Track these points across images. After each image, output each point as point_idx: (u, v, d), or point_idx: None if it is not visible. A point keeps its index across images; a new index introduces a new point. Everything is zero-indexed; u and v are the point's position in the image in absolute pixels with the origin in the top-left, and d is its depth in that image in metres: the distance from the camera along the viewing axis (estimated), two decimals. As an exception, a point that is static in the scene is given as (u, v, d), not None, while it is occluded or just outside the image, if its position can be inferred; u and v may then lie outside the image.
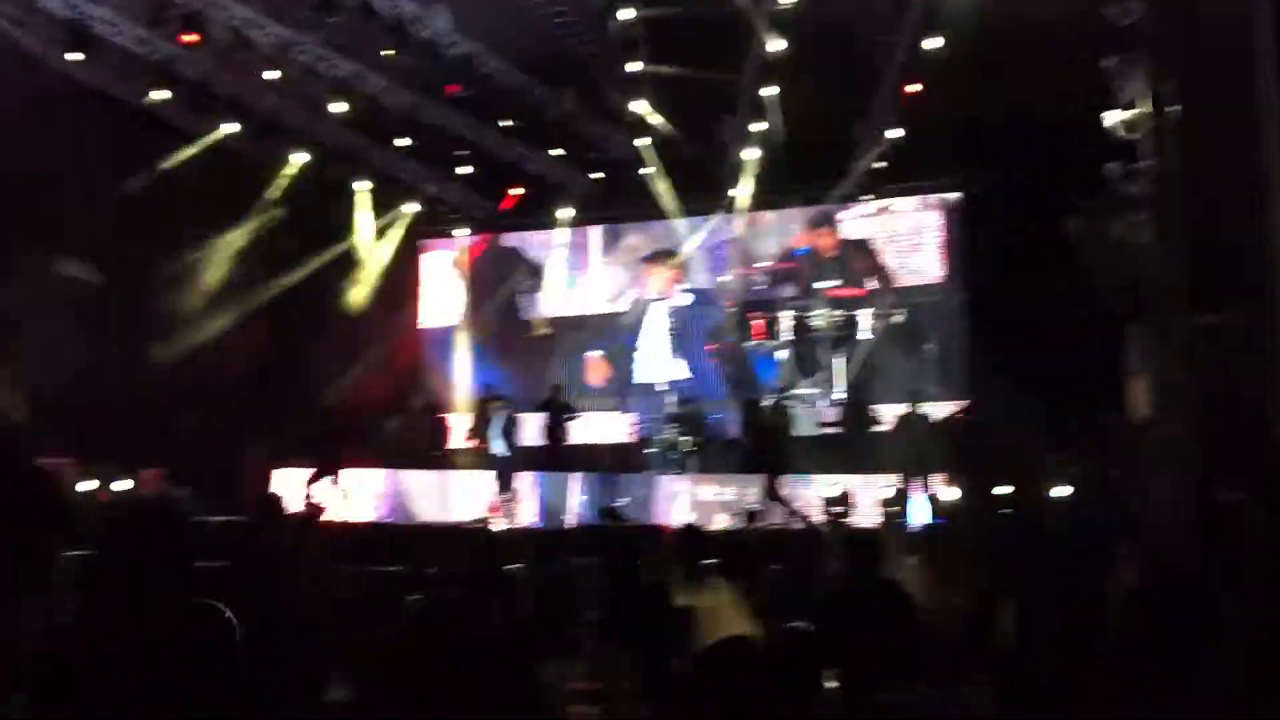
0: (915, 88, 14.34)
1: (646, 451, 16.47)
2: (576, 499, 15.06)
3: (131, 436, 14.87)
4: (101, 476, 14.09)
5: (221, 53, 14.47)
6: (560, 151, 17.64)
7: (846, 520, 12.18)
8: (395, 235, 20.28)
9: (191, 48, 14.21)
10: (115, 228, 15.45)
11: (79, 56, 14.09)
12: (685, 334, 18.76)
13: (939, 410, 14.33)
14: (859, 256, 18.09)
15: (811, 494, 13.43)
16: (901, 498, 12.62)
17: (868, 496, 13.01)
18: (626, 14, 13.54)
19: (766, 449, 15.11)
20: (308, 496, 14.55)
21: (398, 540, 12.48)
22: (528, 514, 14.87)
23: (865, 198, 17.73)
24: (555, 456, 15.75)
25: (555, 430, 15.83)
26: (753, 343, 18.19)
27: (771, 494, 13.55)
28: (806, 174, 17.39)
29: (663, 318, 19.08)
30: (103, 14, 13.97)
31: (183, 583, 2.96)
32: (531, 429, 16.04)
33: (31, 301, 14.48)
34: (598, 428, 17.75)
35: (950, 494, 12.38)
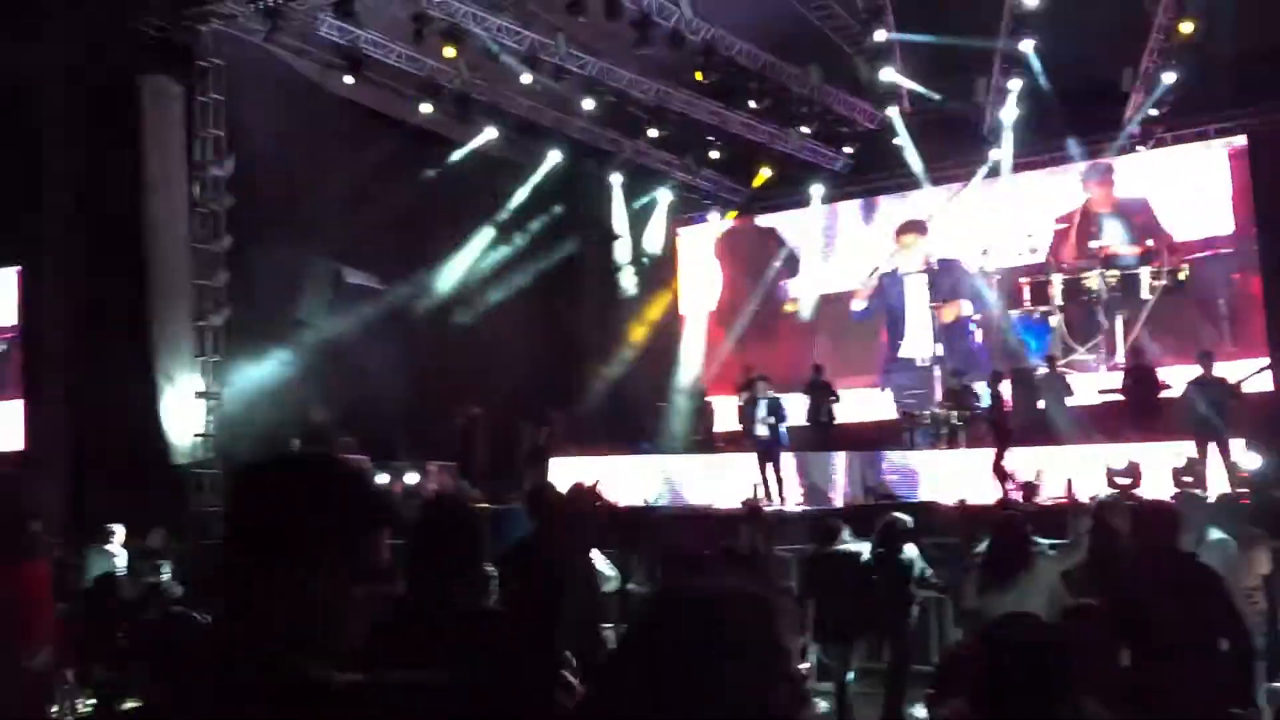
0: (1187, 26, 13.29)
1: (913, 428, 16.04)
2: (843, 478, 14.87)
3: (415, 433, 15.80)
4: (392, 471, 15.04)
5: (479, 63, 15.13)
6: (809, 129, 17.42)
7: (1135, 492, 11.45)
8: (653, 223, 20.64)
9: (451, 61, 14.93)
10: (394, 235, 16.45)
11: (351, 80, 15.04)
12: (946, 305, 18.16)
13: (1233, 370, 13.24)
14: (1135, 211, 16.97)
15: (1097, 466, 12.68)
16: (1195, 466, 11.73)
17: (1159, 466, 12.16)
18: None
19: (1035, 419, 14.48)
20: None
21: (669, 524, 12.76)
22: (795, 495, 14.80)
23: (1140, 149, 16.60)
24: (820, 437, 15.63)
25: (819, 410, 15.69)
26: (1021, 310, 17.40)
27: (997, 470, 13.00)
28: (1072, 129, 16.48)
29: (922, 289, 18.54)
30: (371, 36, 14.89)
31: (479, 569, 3.14)
32: (796, 410, 15.95)
33: (322, 309, 15.67)
34: (861, 406, 17.47)
35: (1251, 460, 11.43)
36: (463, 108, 16.30)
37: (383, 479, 14.66)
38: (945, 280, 18.38)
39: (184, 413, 14.41)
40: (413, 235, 17.05)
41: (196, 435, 14.44)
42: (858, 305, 19.30)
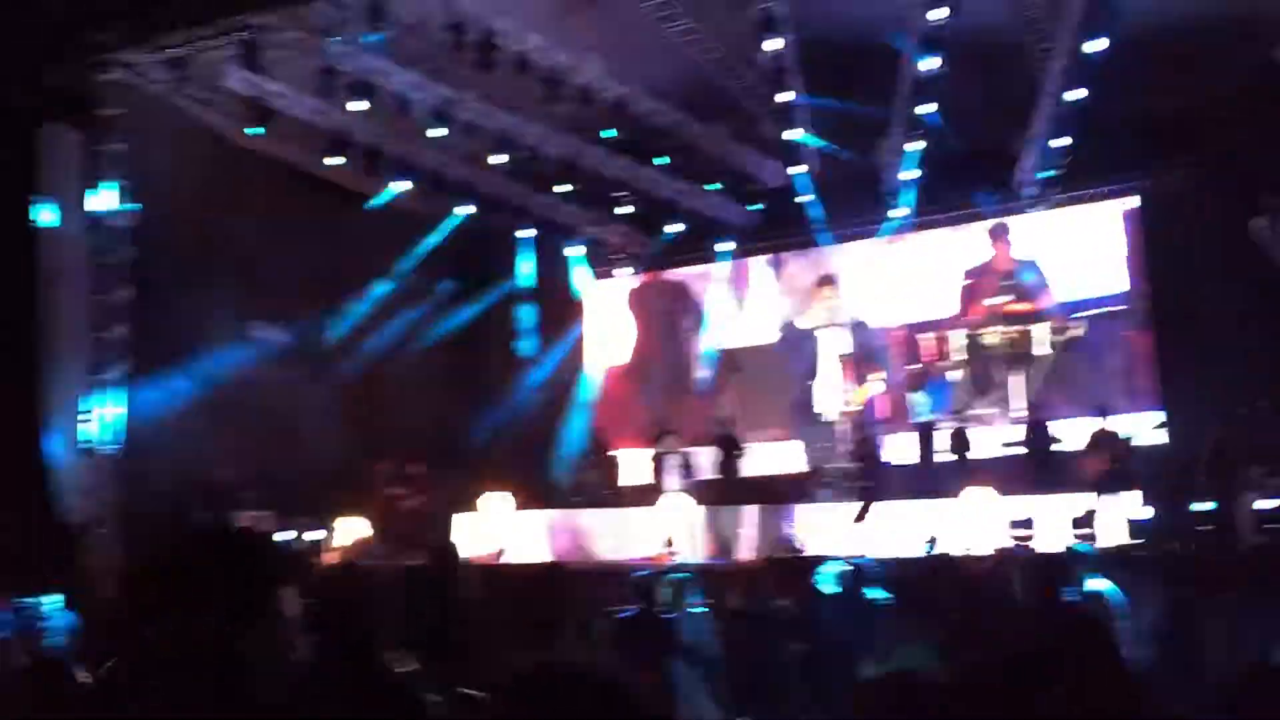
0: (1080, 92, 13.84)
1: (820, 481, 16.24)
2: (750, 532, 14.97)
3: (323, 488, 15.55)
4: (298, 528, 14.78)
5: (388, 117, 15.11)
6: (718, 186, 17.70)
7: (1030, 544, 11.73)
8: (561, 277, 20.74)
9: (360, 114, 14.89)
10: (303, 288, 16.27)
11: (258, 132, 14.89)
12: (854, 360, 18.45)
13: (1128, 425, 13.70)
14: (1033, 270, 17.53)
15: (996, 518, 12.98)
16: (1091, 518, 12.07)
17: (1056, 518, 12.48)
18: (774, 45, 13.53)
19: (943, 473, 14.85)
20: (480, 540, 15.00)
21: (578, 580, 12.66)
22: (701, 550, 14.83)
23: (1037, 209, 17.18)
24: (728, 490, 15.75)
25: (727, 464, 15.84)
26: (921, 365, 17.82)
27: (860, 519, 13.32)
28: (971, 190, 17.03)
29: (831, 345, 18.85)
30: (278, 89, 14.79)
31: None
32: (704, 464, 16.07)
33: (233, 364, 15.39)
34: (770, 460, 17.65)
35: (1144, 512, 11.79)
36: (372, 161, 16.23)
37: (286, 536, 14.40)
38: (856, 335, 18.63)
39: (79, 469, 13.99)
40: (321, 288, 16.90)
41: (91, 493, 14.01)
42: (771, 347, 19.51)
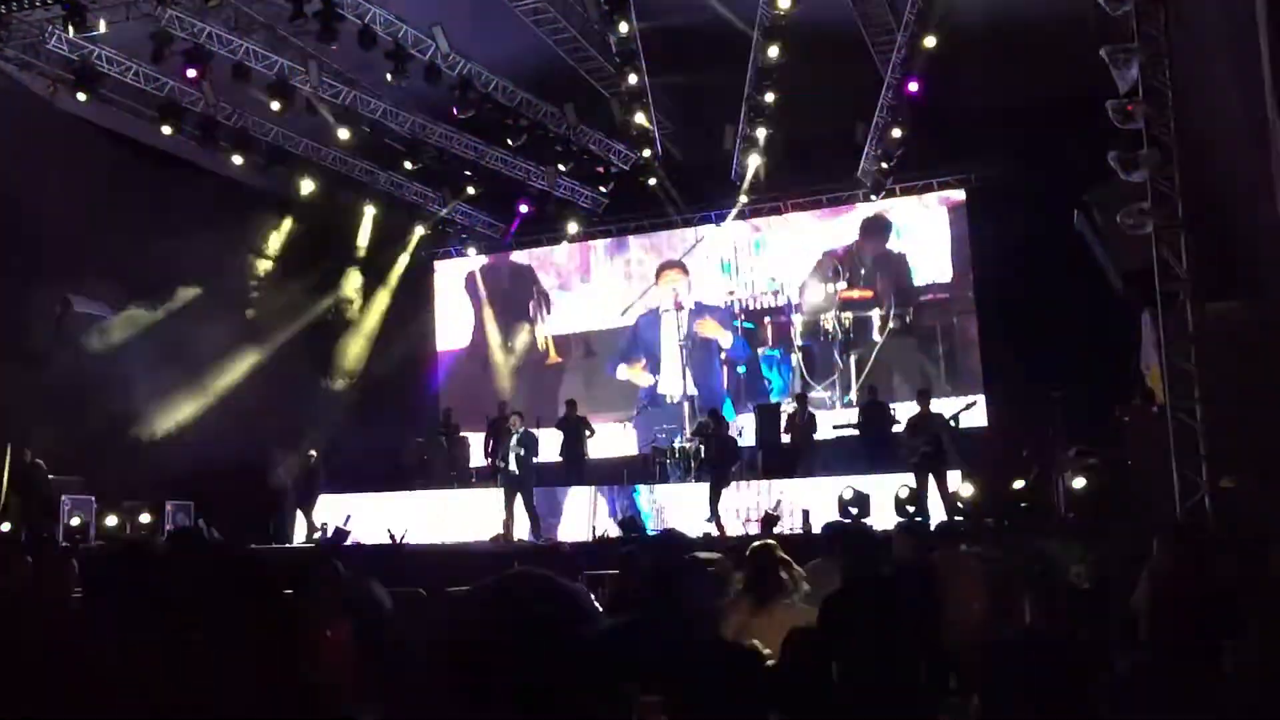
0: (914, 86, 14.34)
1: (662, 463, 16.46)
2: (593, 511, 15.10)
3: (158, 468, 15.01)
4: (124, 512, 14.23)
5: (224, 86, 14.61)
6: (565, 167, 17.70)
7: (865, 521, 12.13)
8: (407, 257, 20.41)
9: (195, 82, 14.36)
10: (130, 261, 15.61)
11: (83, 97, 14.21)
12: (697, 343, 18.75)
13: (949, 407, 14.29)
14: (869, 259, 18.10)
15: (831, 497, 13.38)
16: (916, 497, 12.55)
17: (886, 496, 12.93)
18: (624, 27, 13.61)
19: (783, 453, 15.25)
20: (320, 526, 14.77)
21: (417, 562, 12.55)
22: (546, 529, 14.88)
23: (871, 199, 17.73)
24: (572, 471, 15.83)
25: (571, 446, 15.89)
26: (764, 349, 18.25)
27: (712, 505, 13.60)
28: (810, 178, 17.47)
29: (674, 328, 19.08)
30: (106, 52, 14.15)
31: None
32: (549, 446, 16.08)
33: (49, 338, 14.68)
34: (614, 441, 17.81)
35: (966, 490, 12.33)
36: (207, 132, 15.67)
37: (110, 521, 13.88)
38: (699, 318, 18.91)
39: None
40: (150, 262, 16.22)
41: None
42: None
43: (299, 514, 15.41)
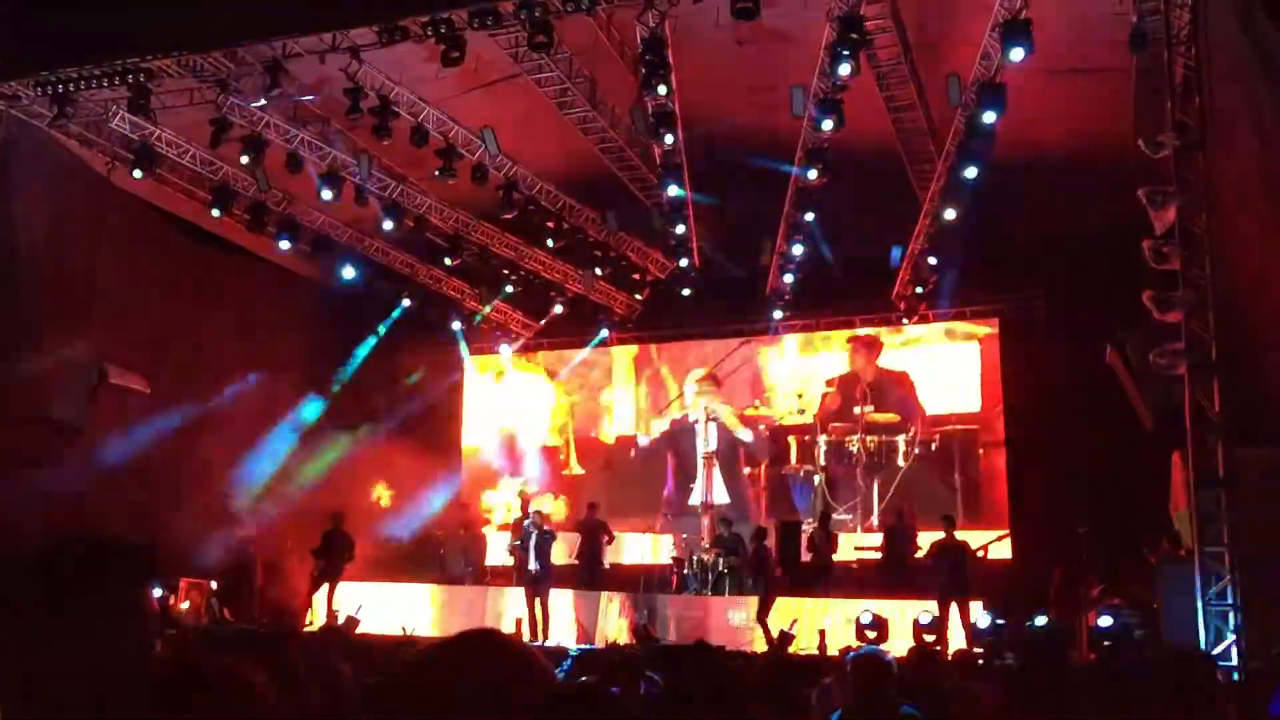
0: (951, 215, 14.46)
1: (683, 573, 16.26)
2: (610, 619, 14.92)
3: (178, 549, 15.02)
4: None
5: (277, 174, 14.95)
6: (603, 272, 17.90)
7: (882, 646, 11.93)
8: (441, 351, 20.51)
9: (248, 168, 14.71)
10: (169, 339, 15.84)
11: (139, 175, 14.57)
12: (725, 456, 18.66)
13: (974, 537, 14.13)
14: (896, 383, 18.07)
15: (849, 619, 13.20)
16: (936, 624, 12.37)
17: (905, 621, 12.76)
18: (669, 140, 13.87)
19: (802, 572, 15.05)
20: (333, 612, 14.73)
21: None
22: (561, 633, 14.71)
23: (903, 323, 17.79)
24: (590, 576, 15.67)
25: (592, 549, 15.75)
26: (788, 467, 18.16)
27: (761, 621, 13.44)
28: (844, 300, 17.59)
29: (703, 439, 18.98)
30: (166, 135, 14.57)
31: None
32: (568, 548, 15.98)
33: (80, 408, 14.80)
34: (635, 549, 17.69)
35: (984, 620, 12.14)
36: (255, 216, 15.98)
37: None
38: (727, 432, 18.84)
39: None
40: (189, 342, 16.45)
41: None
42: (643, 441, 19.59)
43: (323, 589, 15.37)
